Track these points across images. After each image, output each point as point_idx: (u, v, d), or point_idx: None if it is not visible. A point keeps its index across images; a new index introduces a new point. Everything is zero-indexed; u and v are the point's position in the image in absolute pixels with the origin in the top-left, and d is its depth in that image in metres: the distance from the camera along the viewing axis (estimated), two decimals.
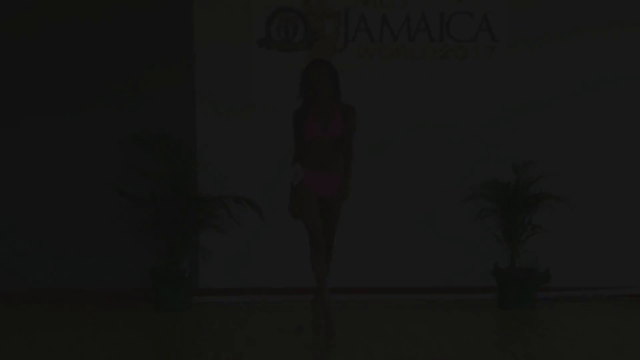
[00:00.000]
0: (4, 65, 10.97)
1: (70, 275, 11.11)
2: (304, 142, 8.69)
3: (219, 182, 10.99)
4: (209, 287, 11.12)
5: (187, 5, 10.97)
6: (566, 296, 11.19)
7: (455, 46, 11.14)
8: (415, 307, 10.78)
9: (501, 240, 10.95)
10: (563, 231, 11.10)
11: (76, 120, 11.05)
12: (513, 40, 11.14)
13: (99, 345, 9.27)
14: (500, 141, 11.15)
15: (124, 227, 10.95)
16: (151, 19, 11.00)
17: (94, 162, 11.06)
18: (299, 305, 9.56)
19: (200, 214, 10.82)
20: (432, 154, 11.19)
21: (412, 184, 11.14)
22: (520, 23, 11.10)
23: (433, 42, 11.13)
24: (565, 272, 11.15)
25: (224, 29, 11.03)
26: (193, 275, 11.00)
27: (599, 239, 11.26)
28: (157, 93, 11.06)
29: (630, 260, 11.30)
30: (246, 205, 10.74)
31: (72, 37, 10.97)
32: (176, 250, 10.78)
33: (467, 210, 11.04)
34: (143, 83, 11.06)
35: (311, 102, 8.67)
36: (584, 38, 11.13)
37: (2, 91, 10.98)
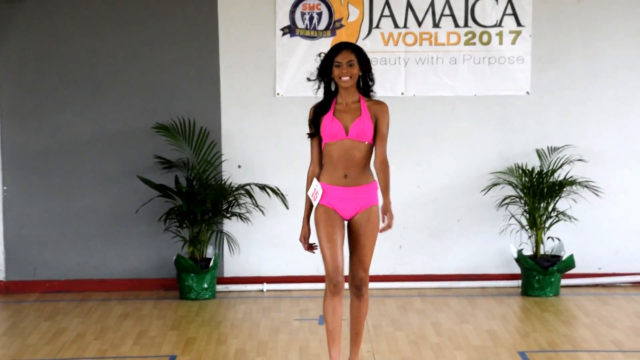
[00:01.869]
0: (56, 60, 11.09)
1: (96, 265, 11.27)
2: (322, 146, 6.93)
3: (243, 172, 11.15)
4: (234, 275, 11.25)
5: (213, 20, 11.03)
6: (590, 283, 11.28)
7: (480, 32, 11.15)
8: (438, 295, 10.84)
9: (525, 227, 11.02)
10: (587, 218, 11.10)
11: (103, 112, 11.15)
12: (537, 25, 11.14)
13: (124, 334, 9.44)
14: (527, 127, 11.22)
15: (152, 217, 11.06)
16: (177, 12, 11.06)
17: (124, 150, 11.19)
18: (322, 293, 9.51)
19: (225, 202, 10.92)
20: (456, 141, 11.24)
21: (435, 172, 11.19)
22: (546, 8, 11.11)
23: (459, 28, 11.15)
24: (589, 259, 11.19)
25: (248, 18, 11.08)
26: (217, 264, 11.09)
27: (623, 226, 11.28)
28: (184, 83, 11.19)
29: None
30: (271, 193, 10.85)
31: (111, 37, 11.05)
32: (201, 239, 10.90)
33: (491, 197, 11.16)
34: (171, 73, 11.19)
35: (334, 96, 6.90)
36: (609, 23, 11.09)
37: (38, 85, 11.11)
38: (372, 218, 6.85)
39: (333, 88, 6.91)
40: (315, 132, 6.89)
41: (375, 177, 6.96)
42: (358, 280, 6.86)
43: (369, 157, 6.89)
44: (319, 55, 7.18)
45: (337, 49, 6.83)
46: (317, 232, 6.92)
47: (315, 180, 6.92)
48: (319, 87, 6.96)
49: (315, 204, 6.90)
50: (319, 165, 6.99)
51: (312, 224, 7.11)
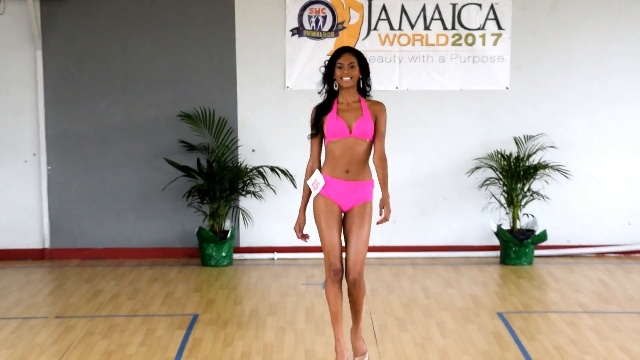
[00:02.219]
0: (93, 55, 11.12)
1: (129, 235, 11.36)
2: (324, 143, 6.62)
3: (257, 155, 11.21)
4: (248, 245, 11.30)
5: (230, 3, 11.03)
6: (559, 254, 11.35)
7: (465, 34, 11.17)
8: (427, 264, 10.88)
9: (503, 205, 11.09)
10: (558, 197, 11.18)
11: (133, 101, 11.21)
12: (516, 28, 11.15)
13: (153, 296, 9.56)
14: (506, 118, 11.25)
15: (177, 194, 11.10)
16: (199, 15, 11.10)
17: (153, 135, 11.24)
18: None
19: (240, 182, 10.94)
20: (444, 130, 11.26)
21: (425, 156, 11.24)
22: (523, 12, 11.12)
23: (446, 30, 11.15)
24: (559, 233, 11.30)
25: (261, 20, 11.09)
26: (234, 236, 11.11)
27: (589, 204, 11.35)
28: (205, 77, 11.21)
29: (616, 222, 11.40)
30: (280, 174, 10.89)
31: (140, 36, 11.09)
32: (220, 214, 10.94)
33: (474, 178, 11.21)
34: (194, 68, 11.20)
35: (335, 97, 6.58)
36: (579, 26, 11.11)
37: (77, 78, 11.15)
38: (367, 211, 6.51)
39: (336, 88, 6.56)
40: (316, 132, 6.59)
41: (374, 175, 6.65)
42: (354, 275, 6.48)
43: (369, 154, 6.56)
44: (324, 63, 6.52)
45: (339, 52, 6.53)
46: (316, 222, 6.59)
47: (317, 171, 6.57)
48: (322, 90, 6.66)
49: (314, 193, 6.55)
50: (318, 161, 6.66)
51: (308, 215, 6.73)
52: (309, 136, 6.66)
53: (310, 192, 6.62)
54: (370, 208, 6.52)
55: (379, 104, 6.58)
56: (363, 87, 6.60)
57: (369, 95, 6.62)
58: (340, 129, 6.42)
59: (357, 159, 6.46)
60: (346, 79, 6.44)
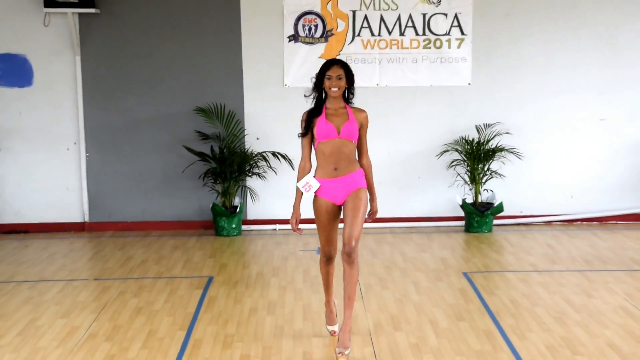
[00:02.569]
0: (123, 59, 11.05)
1: (155, 210, 11.36)
2: (314, 144, 6.43)
3: (260, 142, 11.16)
4: (254, 218, 11.31)
5: (237, 13, 11.00)
6: (514, 222, 11.36)
7: (434, 39, 11.12)
8: (404, 233, 10.92)
9: (467, 182, 11.10)
10: (512, 175, 11.22)
11: (157, 98, 11.16)
12: (477, 33, 11.12)
13: (175, 261, 9.64)
14: (469, 109, 11.23)
15: (194, 175, 11.10)
16: (211, 24, 11.05)
17: (174, 126, 11.19)
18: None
19: (247, 165, 10.91)
20: (417, 120, 11.24)
21: (402, 142, 11.22)
22: (482, 20, 11.11)
23: (419, 36, 11.10)
24: (513, 205, 11.33)
25: (263, 28, 11.03)
26: (242, 210, 11.10)
27: (538, 180, 11.38)
28: (216, 76, 11.15)
29: (560, 195, 11.42)
30: (281, 158, 10.90)
31: (162, 42, 11.02)
32: (230, 192, 10.93)
33: (443, 160, 11.21)
34: (208, 69, 11.15)
35: (323, 103, 6.39)
36: (528, 31, 11.09)
37: (110, 78, 11.10)
38: (360, 196, 6.32)
39: (324, 96, 6.39)
40: (306, 132, 6.39)
41: (359, 166, 6.50)
42: (349, 248, 6.22)
43: (354, 153, 6.41)
44: (313, 77, 6.36)
45: (328, 64, 6.34)
46: (315, 220, 6.46)
47: (310, 175, 6.40)
48: (313, 97, 6.42)
49: (307, 195, 6.37)
50: (309, 160, 6.45)
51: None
52: (299, 135, 6.48)
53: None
54: (364, 193, 6.39)
55: (362, 111, 6.42)
56: (348, 95, 6.42)
57: (351, 102, 6.45)
58: (329, 131, 6.26)
59: (344, 157, 6.31)
60: (334, 89, 6.26)
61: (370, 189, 6.54)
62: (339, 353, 6.27)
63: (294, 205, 6.52)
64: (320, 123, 6.29)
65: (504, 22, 11.17)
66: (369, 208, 6.60)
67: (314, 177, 6.39)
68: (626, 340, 6.82)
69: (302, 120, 6.43)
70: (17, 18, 10.97)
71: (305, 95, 6.48)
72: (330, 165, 6.31)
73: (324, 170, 6.34)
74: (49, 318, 7.61)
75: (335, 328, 6.74)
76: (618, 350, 6.61)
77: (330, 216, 6.40)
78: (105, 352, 6.69)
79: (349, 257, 6.26)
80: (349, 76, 6.33)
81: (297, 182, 6.45)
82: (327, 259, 6.54)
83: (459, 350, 6.63)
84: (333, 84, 6.23)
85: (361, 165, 6.48)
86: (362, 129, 6.40)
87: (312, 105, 6.43)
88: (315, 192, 6.40)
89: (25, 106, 11.16)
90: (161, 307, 7.84)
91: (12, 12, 10.95)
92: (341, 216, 6.52)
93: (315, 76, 6.42)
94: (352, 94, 6.43)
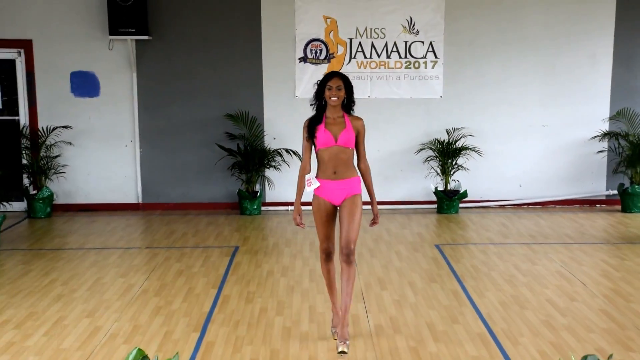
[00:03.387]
0: (168, 75, 11.04)
1: (193, 194, 11.31)
2: (314, 150, 5.72)
3: (277, 141, 11.12)
4: (271, 201, 11.26)
5: (258, 40, 10.97)
6: (475, 206, 11.33)
7: (414, 61, 11.10)
8: (389, 213, 10.88)
9: (439, 174, 11.09)
10: (474, 168, 11.17)
11: (195, 106, 11.12)
12: (447, 57, 11.11)
13: (209, 234, 9.64)
14: (441, 116, 11.18)
15: (224, 167, 11.07)
16: (238, 48, 11.04)
17: (208, 128, 11.13)
18: None
19: (266, 159, 10.90)
20: (400, 124, 11.20)
21: (388, 142, 11.17)
22: (451, 46, 11.10)
23: (401, 58, 11.09)
24: (475, 191, 11.30)
25: (280, 52, 11.03)
26: (262, 194, 11.12)
27: (494, 172, 11.35)
28: (242, 89, 11.10)
29: (511, 185, 11.39)
30: (292, 154, 10.87)
31: (199, 62, 11.01)
32: (252, 180, 10.91)
33: (420, 156, 11.19)
34: (235, 84, 11.10)
35: (323, 111, 5.68)
36: (488, 56, 11.10)
37: (159, 90, 11.10)
38: (356, 202, 5.61)
39: (324, 104, 5.66)
40: (309, 137, 5.66)
41: (358, 173, 5.75)
42: (347, 250, 5.54)
43: (352, 158, 5.65)
44: (316, 82, 5.85)
45: (329, 76, 5.67)
46: (314, 218, 5.74)
47: (312, 173, 5.69)
48: (315, 105, 5.72)
49: (309, 189, 5.66)
50: (309, 164, 5.74)
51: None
52: (306, 139, 5.71)
53: (303, 188, 5.76)
54: (360, 199, 5.65)
55: (359, 119, 5.69)
56: (347, 104, 5.71)
57: (352, 111, 5.75)
58: (327, 139, 5.56)
59: (342, 163, 5.59)
60: (334, 99, 5.56)
61: (370, 192, 5.88)
62: (341, 344, 5.56)
63: (295, 202, 5.82)
64: (320, 131, 5.59)
65: (469, 48, 11.16)
66: (370, 215, 5.91)
67: (315, 177, 5.70)
68: (562, 298, 6.88)
69: (304, 127, 5.73)
70: (89, 44, 10.97)
71: (310, 104, 5.80)
72: (329, 169, 5.62)
73: (324, 173, 5.64)
74: (111, 277, 7.67)
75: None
76: (555, 305, 6.66)
77: (328, 214, 5.68)
78: (154, 304, 6.75)
79: (348, 258, 5.58)
80: (348, 87, 5.67)
81: (298, 181, 5.80)
82: (327, 256, 5.73)
83: (432, 306, 6.68)
84: (333, 94, 5.57)
85: (360, 169, 5.79)
86: (359, 135, 5.68)
87: (314, 113, 5.75)
88: (315, 192, 5.71)
89: (94, 112, 11.15)
90: (197, 270, 7.89)
91: (84, 39, 10.96)
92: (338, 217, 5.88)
93: (316, 83, 5.76)
94: (353, 102, 5.74)
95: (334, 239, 5.75)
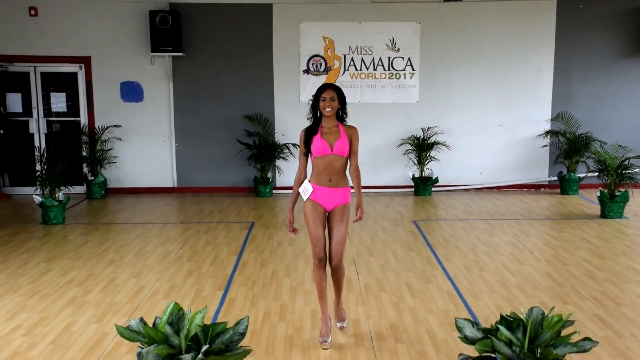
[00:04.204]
0: (198, 81, 10.98)
1: (218, 180, 11.21)
2: (310, 158, 4.91)
3: (285, 137, 11.04)
4: (281, 185, 11.16)
5: (270, 56, 10.93)
6: (445, 189, 11.24)
7: (395, 72, 11.05)
8: (375, 195, 10.85)
9: (416, 164, 11.03)
10: (444, 159, 11.13)
11: (219, 108, 11.05)
12: (422, 69, 11.05)
13: (230, 212, 9.58)
14: (417, 117, 11.12)
15: (242, 158, 11.00)
16: (254, 62, 10.97)
17: (230, 127, 11.05)
18: None
19: (276, 152, 10.85)
20: (385, 124, 11.13)
21: (375, 138, 11.08)
22: (426, 61, 11.05)
23: (385, 71, 11.04)
24: (445, 178, 11.23)
25: (287, 65, 10.96)
26: (273, 180, 11.07)
27: (460, 163, 11.28)
28: (257, 95, 11.04)
29: (473, 172, 11.31)
30: (298, 148, 10.59)
31: (222, 71, 10.95)
32: (265, 169, 10.85)
33: (401, 150, 11.15)
34: (251, 90, 11.02)
35: (319, 122, 4.88)
36: (455, 68, 11.04)
37: (191, 94, 11.08)
38: (346, 211, 4.84)
39: (319, 115, 4.86)
40: (307, 150, 4.87)
41: (350, 183, 4.93)
42: (336, 261, 4.84)
43: (346, 167, 4.87)
44: (311, 99, 5.01)
45: (323, 87, 4.91)
46: (305, 220, 4.88)
47: (306, 181, 4.91)
48: (311, 116, 4.92)
49: (305, 198, 4.87)
50: (305, 172, 4.94)
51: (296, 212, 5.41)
52: (302, 152, 4.92)
53: (297, 195, 4.95)
54: (349, 209, 4.89)
55: (353, 128, 4.91)
56: (341, 114, 4.92)
57: (345, 121, 4.93)
58: (323, 148, 4.78)
59: (337, 171, 4.80)
60: (328, 109, 4.79)
61: (358, 193, 4.94)
62: (340, 327, 5.13)
63: (288, 209, 5.00)
64: (316, 141, 4.82)
65: (440, 62, 11.09)
66: (354, 217, 4.96)
67: (309, 181, 4.91)
68: (513, 262, 6.89)
69: (300, 137, 4.94)
70: (135, 59, 10.94)
71: (307, 118, 4.98)
72: (324, 176, 4.82)
73: (318, 180, 4.85)
74: (153, 246, 7.67)
75: (328, 340, 4.89)
76: (509, 268, 6.68)
77: (320, 216, 4.83)
78: (187, 268, 6.76)
79: (337, 267, 4.89)
80: (341, 98, 4.89)
81: (293, 189, 5.01)
82: (319, 261, 4.83)
83: (410, 269, 6.68)
84: (327, 105, 4.80)
85: (352, 171, 4.95)
86: (352, 142, 4.87)
87: (310, 124, 4.95)
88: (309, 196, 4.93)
89: (139, 113, 11.10)
90: (221, 241, 7.88)
91: (131, 55, 10.94)
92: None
93: (312, 98, 4.97)
94: (346, 113, 4.95)
95: (325, 243, 4.87)
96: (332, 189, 4.85)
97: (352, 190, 5.02)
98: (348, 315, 5.40)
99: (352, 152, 4.90)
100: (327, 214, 4.92)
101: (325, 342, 4.90)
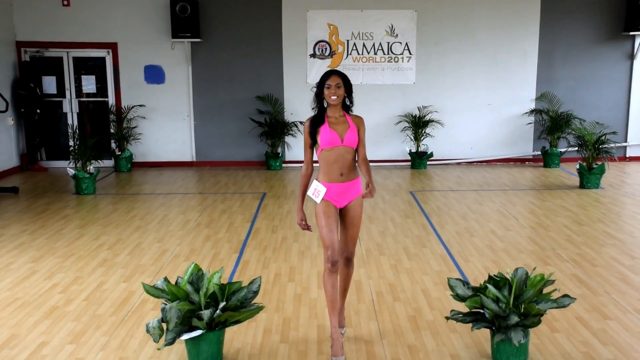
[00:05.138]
0: (214, 65, 10.91)
1: (233, 154, 11.16)
2: (316, 152, 4.07)
3: (293, 115, 10.97)
4: (289, 160, 11.14)
5: (279, 41, 10.84)
6: (439, 163, 11.17)
7: (394, 56, 10.98)
8: (375, 169, 10.75)
9: (412, 139, 10.95)
10: (438, 135, 11.05)
11: (234, 89, 10.96)
12: (418, 53, 10.97)
13: (244, 183, 9.57)
14: (413, 97, 11.03)
15: (255, 134, 10.97)
16: (265, 47, 10.89)
17: (243, 106, 10.98)
18: None
19: (285, 129, 10.79)
20: (384, 103, 11.03)
21: (375, 116, 10.98)
22: (421, 46, 10.97)
23: (385, 55, 10.95)
24: (439, 152, 11.16)
25: (295, 50, 10.88)
26: (282, 155, 11.05)
27: (452, 138, 11.20)
28: (268, 77, 10.95)
29: (465, 147, 11.23)
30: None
31: (237, 56, 10.86)
32: (275, 144, 10.81)
33: (399, 127, 11.07)
34: (262, 73, 10.92)
35: (324, 111, 4.02)
36: (448, 53, 10.94)
37: (210, 77, 11.01)
38: (359, 204, 4.02)
39: (326, 105, 4.00)
40: (314, 142, 4.05)
41: (359, 173, 4.08)
42: (349, 254, 4.12)
43: (355, 159, 4.02)
44: (314, 86, 4.15)
45: (328, 74, 4.04)
46: (317, 221, 4.02)
47: (315, 181, 4.05)
48: (315, 105, 4.06)
49: (317, 201, 4.00)
50: (312, 165, 4.09)
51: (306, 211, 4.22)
52: (308, 143, 4.10)
53: (305, 190, 4.12)
54: (362, 200, 4.06)
55: (360, 118, 4.08)
56: (348, 103, 4.09)
57: (351, 110, 4.10)
58: (333, 139, 3.95)
59: (348, 163, 3.96)
60: (333, 97, 3.95)
61: (368, 174, 4.04)
62: (342, 329, 4.35)
63: (297, 206, 4.15)
64: (324, 131, 3.98)
65: (434, 47, 10.99)
66: (364, 192, 4.07)
67: (318, 181, 4.07)
68: (500, 229, 6.90)
69: (305, 127, 4.10)
70: (157, 44, 10.87)
71: (312, 108, 4.09)
72: (335, 171, 3.98)
73: (329, 176, 4.01)
74: (174, 214, 7.70)
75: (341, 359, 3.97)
76: (496, 234, 6.69)
77: (333, 217, 3.99)
78: (205, 234, 6.79)
79: (349, 261, 4.17)
80: (347, 84, 4.07)
81: (300, 185, 4.15)
82: (332, 265, 3.96)
83: (407, 235, 6.70)
84: (332, 92, 3.96)
85: (361, 162, 4.09)
86: (360, 132, 4.02)
87: (315, 113, 4.10)
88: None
89: (161, 94, 11.04)
90: (236, 209, 7.89)
91: (154, 41, 10.86)
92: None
93: (316, 86, 4.12)
94: (352, 102, 4.12)
95: (337, 244, 4.04)
96: (344, 184, 4.02)
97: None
98: (352, 277, 4.66)
99: (360, 143, 4.07)
100: (339, 209, 4.09)
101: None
